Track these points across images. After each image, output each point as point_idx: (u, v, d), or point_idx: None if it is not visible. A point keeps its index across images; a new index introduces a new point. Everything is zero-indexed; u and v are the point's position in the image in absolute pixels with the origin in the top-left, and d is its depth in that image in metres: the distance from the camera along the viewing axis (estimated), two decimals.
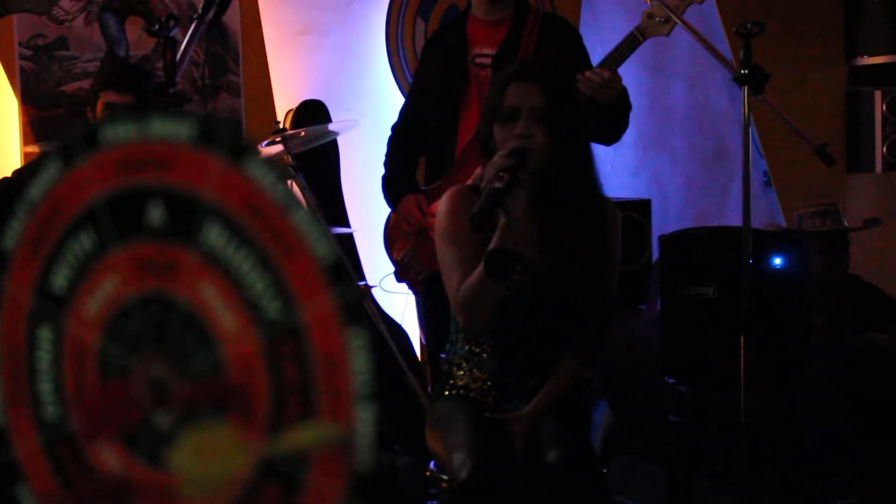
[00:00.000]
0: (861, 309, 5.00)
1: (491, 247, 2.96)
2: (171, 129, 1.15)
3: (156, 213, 1.17)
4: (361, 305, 1.01)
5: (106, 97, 4.15)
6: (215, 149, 1.12)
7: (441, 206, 3.24)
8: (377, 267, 5.01)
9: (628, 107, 4.02)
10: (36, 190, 1.24)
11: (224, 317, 1.13)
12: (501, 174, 2.92)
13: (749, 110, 3.68)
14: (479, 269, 2.97)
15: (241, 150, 1.11)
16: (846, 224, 5.10)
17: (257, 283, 1.12)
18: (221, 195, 1.12)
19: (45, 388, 1.23)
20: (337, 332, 1.08)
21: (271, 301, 1.11)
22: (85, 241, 1.21)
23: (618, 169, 6.26)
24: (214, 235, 1.13)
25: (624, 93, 3.95)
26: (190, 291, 1.14)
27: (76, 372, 1.21)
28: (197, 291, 1.14)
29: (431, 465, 3.24)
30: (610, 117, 3.93)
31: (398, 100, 5.44)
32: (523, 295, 3.13)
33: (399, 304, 5.19)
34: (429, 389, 4.55)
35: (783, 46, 5.99)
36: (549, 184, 3.11)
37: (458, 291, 3.09)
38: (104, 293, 1.20)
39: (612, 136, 4.08)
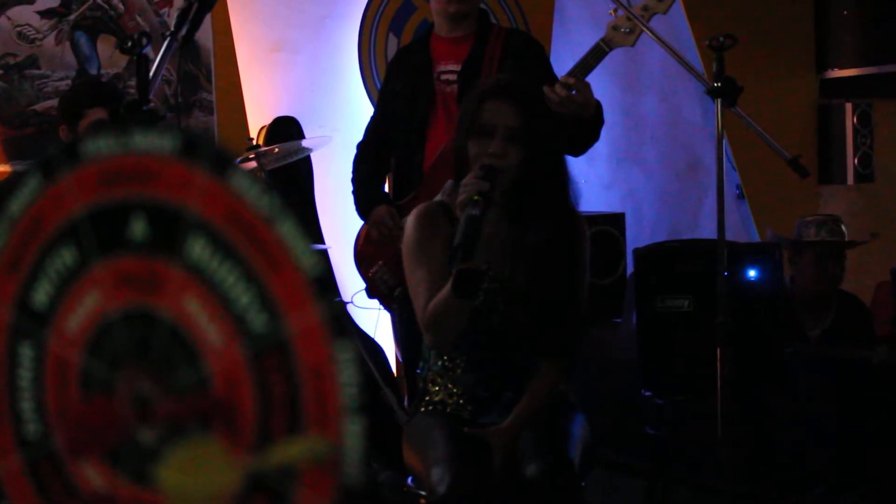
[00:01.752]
0: (854, 325, 4.99)
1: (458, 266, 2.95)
2: (153, 142, 1.14)
3: (138, 227, 1.16)
4: (348, 318, 1.00)
5: (94, 115, 4.13)
6: (198, 161, 1.11)
7: (408, 223, 3.24)
8: (352, 283, 4.99)
9: (600, 121, 4.02)
10: (16, 205, 1.22)
11: (209, 330, 1.12)
12: (476, 198, 2.92)
13: (722, 123, 3.69)
14: (447, 288, 2.96)
15: (225, 162, 1.10)
16: (846, 236, 5.05)
17: (242, 296, 1.11)
18: (205, 208, 1.11)
19: (27, 405, 1.22)
20: (324, 344, 1.07)
21: (257, 314, 1.11)
22: (66, 256, 1.20)
23: (591, 182, 6.26)
24: (198, 248, 1.13)
25: (598, 107, 3.96)
26: (174, 305, 1.13)
27: (58, 389, 1.20)
28: (181, 305, 1.13)
29: (409, 480, 3.23)
30: (580, 130, 3.93)
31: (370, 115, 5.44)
32: (493, 305, 3.13)
33: (371, 320, 5.18)
34: (405, 405, 4.53)
35: (754, 59, 6.02)
36: (520, 197, 3.11)
37: (426, 311, 3.08)
38: (86, 309, 1.19)
39: (579, 148, 4.08)
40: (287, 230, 1.08)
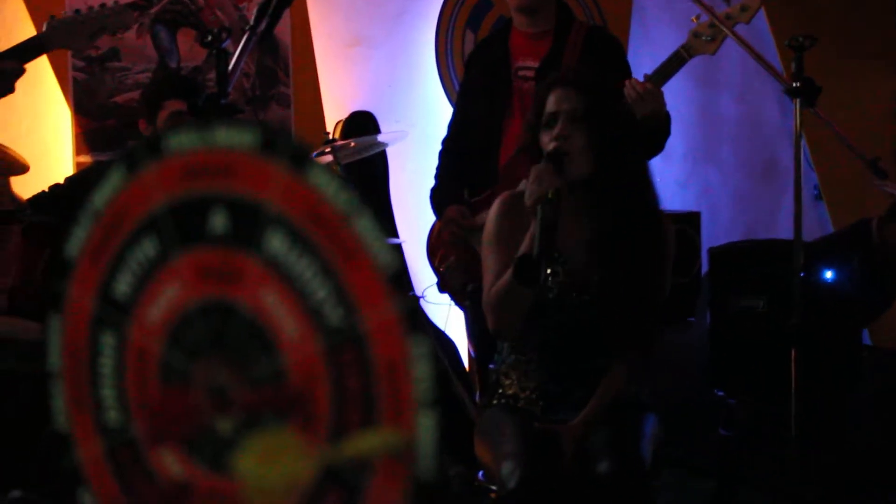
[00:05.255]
0: None
1: (521, 251, 2.96)
2: (234, 137, 1.16)
3: (218, 221, 1.17)
4: (422, 313, 1.01)
5: (172, 106, 4.18)
6: (278, 157, 1.13)
7: (492, 209, 3.25)
8: (424, 278, 5.00)
9: (667, 132, 3.99)
10: (100, 197, 1.25)
11: (286, 323, 1.13)
12: (550, 196, 2.92)
13: (801, 123, 3.65)
14: (509, 272, 2.97)
15: (304, 158, 1.12)
16: None
17: (319, 290, 1.12)
18: (284, 203, 1.13)
19: (108, 393, 1.24)
20: (399, 339, 1.08)
21: (333, 308, 1.11)
22: (148, 248, 1.22)
23: (667, 181, 6.22)
24: (277, 243, 1.14)
25: (666, 117, 3.93)
26: (252, 298, 1.14)
27: (139, 378, 1.22)
28: (259, 298, 1.14)
29: (480, 474, 3.23)
30: (650, 137, 3.91)
31: (447, 111, 5.44)
32: (566, 300, 3.12)
33: (442, 314, 5.18)
34: (476, 399, 4.54)
35: (835, 59, 5.94)
36: (597, 188, 3.10)
37: (489, 292, 3.10)
38: (166, 300, 1.21)
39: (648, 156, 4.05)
40: (364, 226, 1.09)
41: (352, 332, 1.10)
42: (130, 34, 5.21)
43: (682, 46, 3.98)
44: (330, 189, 1.11)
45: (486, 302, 3.12)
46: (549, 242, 2.88)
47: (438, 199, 4.33)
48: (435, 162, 4.40)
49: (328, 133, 5.08)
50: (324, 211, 1.11)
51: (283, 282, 1.14)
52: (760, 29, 5.90)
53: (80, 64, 5.18)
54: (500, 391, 3.25)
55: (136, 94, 5.08)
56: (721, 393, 4.60)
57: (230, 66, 3.24)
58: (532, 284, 2.94)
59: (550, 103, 3.13)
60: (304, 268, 1.13)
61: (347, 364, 1.10)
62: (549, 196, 2.92)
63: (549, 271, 3.11)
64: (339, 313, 1.11)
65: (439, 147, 4.41)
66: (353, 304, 1.10)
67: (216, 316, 1.17)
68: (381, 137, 5.01)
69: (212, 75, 4.17)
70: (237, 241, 1.16)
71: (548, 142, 3.09)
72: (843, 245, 4.74)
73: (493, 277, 3.12)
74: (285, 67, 5.49)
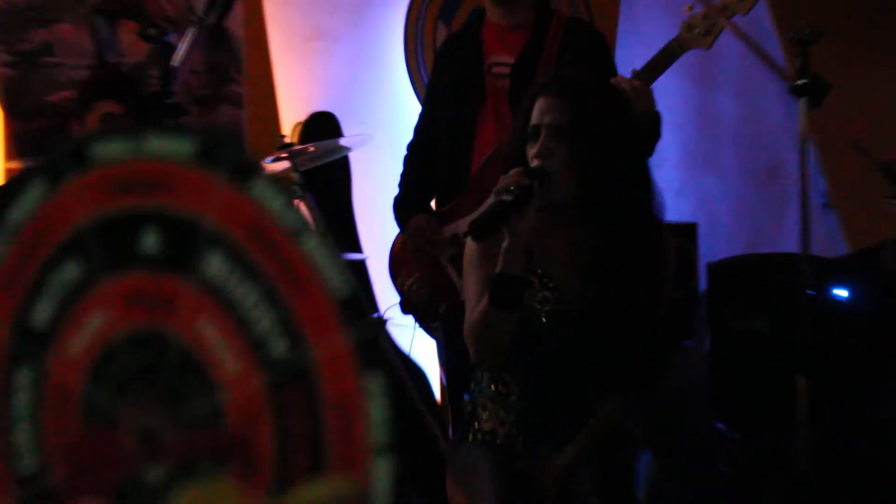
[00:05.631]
0: None
1: (496, 271, 2.96)
2: (169, 146, 1.14)
3: (150, 240, 1.16)
4: (379, 345, 1.00)
5: (102, 108, 4.15)
6: (218, 168, 1.11)
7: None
8: (392, 297, 5.00)
9: (657, 134, 3.99)
10: (17, 212, 1.23)
11: (225, 357, 1.12)
12: (511, 188, 2.93)
13: (806, 124, 3.67)
14: (486, 297, 2.97)
15: (247, 169, 1.10)
16: None
17: (263, 318, 1.11)
18: (224, 220, 1.11)
19: (24, 437, 1.22)
20: (351, 374, 1.07)
21: (278, 339, 1.10)
22: (71, 271, 1.20)
23: (660, 189, 6.24)
24: (216, 265, 1.13)
25: (656, 118, 3.93)
26: (187, 328, 1.13)
27: (58, 418, 1.20)
28: (195, 328, 1.13)
29: None
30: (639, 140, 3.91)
31: (417, 112, 5.44)
32: (554, 324, 3.11)
33: (406, 337, 5.17)
34: (449, 435, 4.53)
35: (845, 53, 5.97)
36: (586, 207, 3.10)
37: (469, 320, 3.09)
38: (91, 329, 1.19)
39: None
40: (313, 246, 1.08)
41: (299, 367, 1.09)
42: (66, 26, 5.19)
43: (675, 40, 3.98)
44: (276, 205, 1.10)
45: (466, 331, 3.11)
46: (493, 218, 2.90)
47: (402, 208, 4.34)
48: (400, 168, 4.40)
49: (284, 136, 5.05)
50: (268, 230, 1.10)
51: (223, 309, 1.12)
52: (761, 20, 5.92)
53: (10, 59, 5.14)
54: (477, 425, 3.24)
55: (70, 93, 5.05)
56: (721, 425, 4.61)
57: (175, 62, 3.22)
58: (510, 307, 2.94)
59: (535, 113, 3.12)
60: (245, 294, 1.12)
61: (294, 403, 1.09)
62: (511, 188, 2.93)
63: (536, 290, 3.10)
64: (284, 345, 1.10)
65: (404, 153, 4.41)
66: (301, 334, 1.09)
67: (147, 348, 1.15)
68: (343, 141, 5.01)
69: (155, 72, 4.14)
70: (171, 264, 1.15)
71: (531, 157, 3.09)
72: (858, 264, 4.76)
73: (473, 302, 3.11)
74: (237, 63, 5.48)
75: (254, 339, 1.11)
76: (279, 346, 1.10)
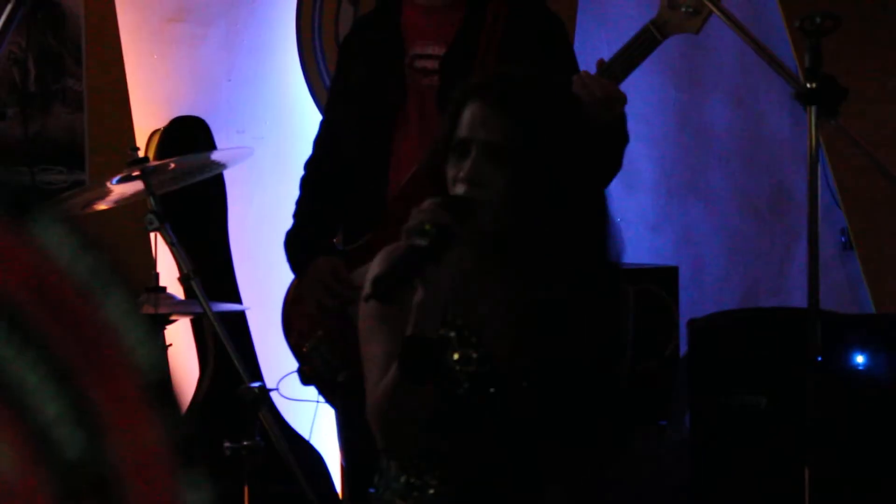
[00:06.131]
0: None
1: (408, 332, 2.95)
2: None
3: None
4: (196, 441, 0.99)
5: None
6: None
7: (371, 271, 3.23)
8: (279, 360, 4.98)
9: (624, 139, 4.01)
10: None
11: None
12: (427, 228, 2.92)
13: (817, 139, 3.69)
14: (395, 365, 2.97)
15: (25, 204, 1.08)
16: None
17: (49, 404, 1.09)
18: None
19: None
20: (165, 479, 1.05)
21: (70, 432, 1.09)
22: None
23: (631, 221, 6.28)
24: None
25: (621, 118, 3.95)
26: None
27: None
28: None
29: None
30: (598, 151, 3.92)
31: (314, 118, 5.44)
32: (482, 396, 3.11)
33: (306, 414, 5.17)
34: None
35: (866, 50, 6.04)
36: (523, 243, 3.10)
37: (373, 395, 3.08)
38: None
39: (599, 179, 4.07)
40: (115, 307, 1.06)
41: (97, 470, 1.07)
42: None
43: (653, 22, 4.00)
44: (64, 251, 1.08)
45: (370, 410, 3.10)
46: (404, 272, 2.89)
47: (298, 247, 4.32)
48: (295, 193, 4.39)
49: (138, 149, 5.04)
50: (56, 285, 1.08)
51: None
52: (765, 7, 5.98)
53: None
54: None
55: None
56: None
57: None
58: (425, 378, 2.93)
59: (463, 123, 3.11)
60: (26, 371, 1.09)
61: None
62: (426, 227, 2.92)
63: (454, 357, 3.10)
64: (78, 440, 1.08)
65: (301, 172, 4.40)
66: (99, 425, 1.07)
67: None
68: (215, 155, 4.99)
69: None
70: None
71: (453, 178, 3.08)
72: (883, 323, 4.81)
73: (378, 373, 3.10)
74: (76, 51, 5.46)
75: (36, 431, 1.09)
76: (72, 442, 1.08)
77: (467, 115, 3.11)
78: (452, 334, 3.10)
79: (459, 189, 3.05)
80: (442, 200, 3.02)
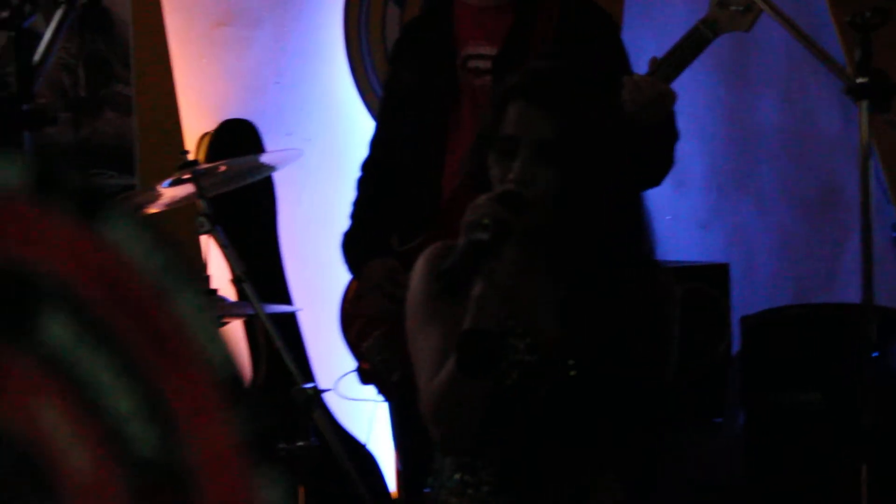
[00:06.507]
0: None
1: (465, 326, 2.95)
2: None
3: None
4: (273, 437, 0.99)
5: None
6: (59, 201, 1.09)
7: (416, 269, 3.25)
8: (333, 361, 4.99)
9: (675, 137, 4.00)
10: None
11: (73, 452, 1.10)
12: (485, 222, 2.92)
13: (869, 136, 3.68)
14: (451, 361, 2.97)
15: (99, 202, 1.08)
16: None
17: (122, 401, 1.09)
18: (68, 270, 1.09)
19: None
20: (239, 476, 1.05)
21: (144, 429, 1.09)
22: None
23: (681, 219, 6.26)
24: (59, 331, 1.11)
25: (671, 116, 3.94)
26: (19, 416, 1.10)
27: None
28: (30, 415, 1.11)
29: None
30: (650, 148, 3.91)
31: (362, 119, 5.45)
32: (533, 392, 3.11)
33: (363, 415, 5.18)
34: None
35: None
36: (567, 241, 3.11)
37: (427, 391, 3.08)
38: None
39: (649, 177, 4.07)
40: (187, 305, 1.06)
41: (170, 467, 1.07)
42: None
43: (703, 21, 3.99)
44: (137, 248, 1.08)
45: (424, 406, 3.10)
46: (470, 265, 2.91)
47: (355, 249, 4.33)
48: (346, 195, 4.40)
49: (188, 152, 5.05)
50: (128, 283, 1.09)
51: (68, 390, 1.10)
52: (811, 1, 5.96)
53: None
54: None
55: None
56: None
57: (38, 54, 3.22)
58: (484, 373, 2.94)
59: (509, 120, 3.11)
60: (99, 369, 1.10)
61: None
62: (484, 221, 2.92)
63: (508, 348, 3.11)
64: (152, 437, 1.08)
65: (352, 175, 4.40)
66: (173, 422, 1.07)
67: None
68: (264, 158, 5.00)
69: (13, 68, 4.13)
70: None
71: (499, 176, 3.08)
72: None
73: (432, 368, 3.10)
74: (124, 56, 5.48)
75: (111, 428, 1.09)
76: (145, 438, 1.09)
77: (512, 113, 3.12)
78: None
79: (506, 186, 3.06)
80: (497, 195, 3.03)
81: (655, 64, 3.97)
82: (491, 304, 2.97)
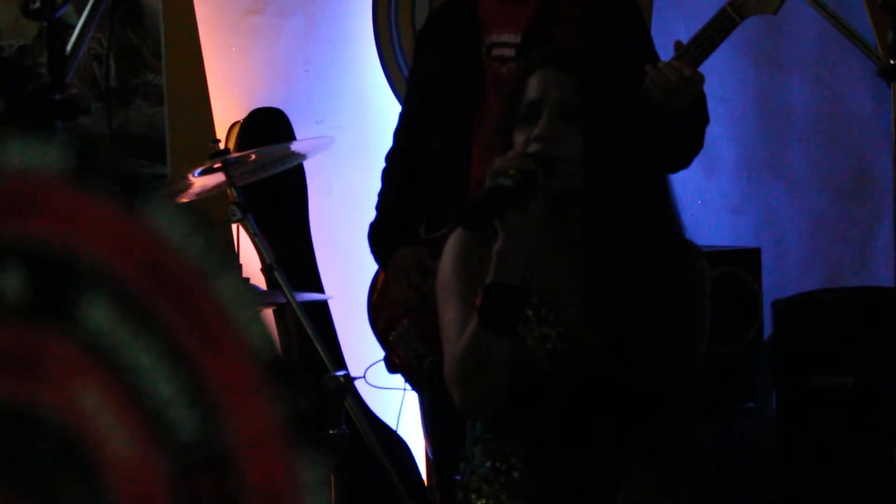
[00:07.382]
0: None
1: (487, 280, 2.95)
2: (35, 156, 1.13)
3: (12, 282, 1.15)
4: (312, 419, 1.00)
5: None
6: (100, 186, 1.10)
7: (447, 250, 3.25)
8: (362, 349, 5.00)
9: (704, 119, 4.00)
10: None
11: (114, 436, 1.11)
12: (511, 172, 2.93)
13: None
14: (474, 320, 2.97)
15: (139, 187, 1.09)
16: None
17: (163, 385, 1.10)
18: (109, 254, 1.10)
19: None
20: (280, 459, 1.05)
21: (185, 412, 1.10)
22: None
23: (712, 203, 6.25)
24: (100, 314, 1.12)
25: (701, 99, 3.94)
26: (62, 399, 1.11)
27: None
28: (73, 397, 1.12)
29: None
30: (678, 132, 3.91)
31: (392, 107, 5.45)
32: (563, 376, 3.11)
33: (393, 403, 5.18)
34: None
35: None
36: (593, 212, 3.10)
37: (451, 354, 3.08)
38: None
39: (678, 160, 4.07)
40: (227, 288, 1.07)
41: (212, 449, 1.08)
42: None
43: (730, 3, 3.99)
44: (178, 232, 1.09)
45: (448, 372, 3.11)
46: (493, 202, 2.91)
47: (382, 238, 4.34)
48: (376, 183, 4.40)
49: (218, 141, 5.07)
50: (169, 266, 1.10)
51: (110, 373, 1.11)
52: None
53: None
54: None
55: None
56: None
57: (70, 45, 3.23)
58: (506, 329, 2.94)
59: (532, 88, 3.12)
60: (140, 352, 1.11)
61: (206, 496, 1.08)
62: (511, 172, 2.93)
63: (531, 325, 3.10)
64: (193, 420, 1.09)
65: (382, 163, 4.41)
66: (214, 406, 1.08)
67: (8, 426, 1.14)
68: (295, 146, 5.00)
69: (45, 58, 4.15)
70: (39, 313, 1.13)
71: (525, 141, 3.08)
72: None
73: (454, 336, 3.11)
74: (155, 46, 5.49)
75: (152, 411, 1.11)
76: (187, 421, 1.10)
77: (535, 80, 3.13)
78: (530, 313, 3.10)
79: (533, 148, 3.06)
80: (524, 150, 3.04)
81: (682, 48, 3.97)
82: (514, 259, 2.96)
